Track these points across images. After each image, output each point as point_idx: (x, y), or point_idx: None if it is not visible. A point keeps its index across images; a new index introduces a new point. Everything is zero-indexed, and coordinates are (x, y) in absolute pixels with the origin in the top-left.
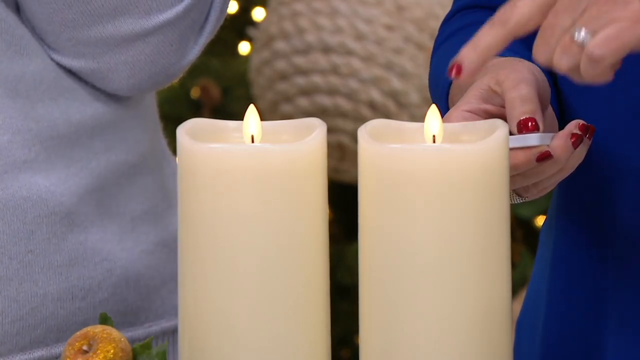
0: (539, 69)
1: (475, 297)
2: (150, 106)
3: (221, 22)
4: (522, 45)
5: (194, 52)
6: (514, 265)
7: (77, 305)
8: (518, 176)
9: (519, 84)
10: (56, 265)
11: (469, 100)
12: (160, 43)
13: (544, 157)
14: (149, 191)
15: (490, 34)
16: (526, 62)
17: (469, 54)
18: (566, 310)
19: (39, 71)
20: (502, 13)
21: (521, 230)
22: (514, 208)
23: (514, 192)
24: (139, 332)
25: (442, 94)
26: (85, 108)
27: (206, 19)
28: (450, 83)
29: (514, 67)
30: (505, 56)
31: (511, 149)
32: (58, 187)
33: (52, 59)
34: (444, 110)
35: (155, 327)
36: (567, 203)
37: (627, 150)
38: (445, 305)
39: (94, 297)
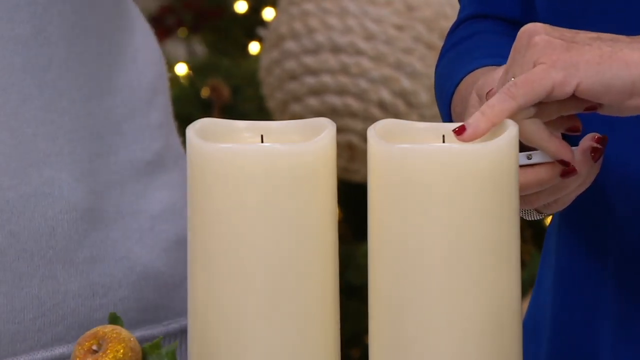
0: None
1: (485, 297)
2: (162, 104)
3: None
4: None
5: None
6: (523, 265)
7: (98, 303)
8: (542, 193)
9: (489, 88)
10: (77, 262)
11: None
12: None
13: (569, 172)
14: (167, 189)
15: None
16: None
17: (477, 120)
18: (570, 315)
19: (65, 58)
20: (513, 87)
21: (530, 230)
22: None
23: (535, 209)
24: (159, 330)
25: (445, 103)
26: (105, 100)
27: None
28: (453, 93)
29: (494, 68)
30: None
31: (534, 165)
32: (80, 183)
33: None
34: (446, 117)
35: (174, 325)
36: (569, 210)
37: (622, 157)
38: (454, 304)
39: (114, 295)
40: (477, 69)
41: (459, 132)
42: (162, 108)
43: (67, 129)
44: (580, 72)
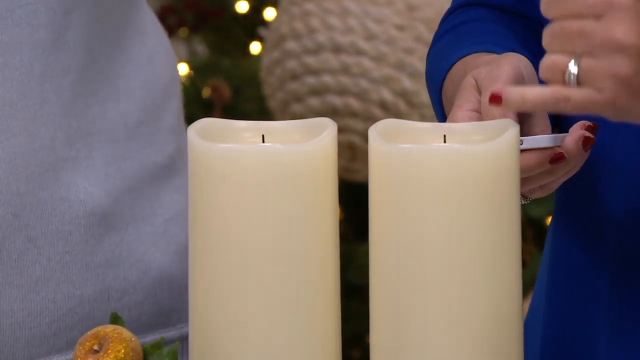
0: (527, 62)
1: (485, 297)
2: (174, 107)
3: None
4: (522, 48)
5: None
6: (524, 265)
7: (113, 307)
8: (529, 178)
9: (493, 83)
10: (93, 267)
11: (469, 98)
12: None
13: (558, 158)
14: (179, 193)
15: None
16: (513, 57)
17: (514, 94)
18: (563, 310)
19: (81, 63)
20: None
21: (532, 230)
22: (524, 208)
23: (520, 194)
24: (172, 333)
25: (435, 88)
26: (120, 104)
27: None
28: (444, 78)
29: (497, 63)
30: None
31: (523, 151)
32: (96, 188)
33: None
34: (437, 103)
35: (186, 329)
36: (563, 202)
37: (613, 143)
38: (455, 304)
39: (129, 299)
40: (468, 55)
41: (494, 100)
42: (175, 111)
43: (84, 133)
44: (628, 117)
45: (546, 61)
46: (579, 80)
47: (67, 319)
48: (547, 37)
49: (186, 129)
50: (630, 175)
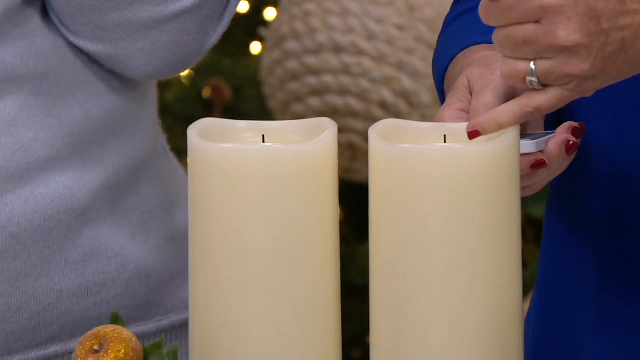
0: None
1: (486, 297)
2: (153, 102)
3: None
4: None
5: (212, 41)
6: (525, 265)
7: (92, 301)
8: None
9: (485, 89)
10: (72, 261)
11: (460, 98)
12: (178, 32)
13: (538, 165)
14: (156, 187)
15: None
16: None
17: (490, 123)
18: (551, 304)
19: (59, 67)
20: (527, 97)
21: (532, 230)
22: (524, 208)
23: None
24: (149, 326)
25: (439, 75)
26: (101, 102)
27: (225, 7)
28: (446, 69)
29: (491, 66)
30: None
31: None
32: (75, 184)
33: (70, 42)
34: (440, 93)
35: (164, 322)
36: (556, 189)
37: (597, 138)
38: (456, 304)
39: (108, 293)
40: (468, 47)
41: (473, 135)
42: (152, 106)
43: (65, 133)
44: (603, 86)
45: (504, 70)
46: (541, 82)
47: (47, 314)
48: (497, 44)
49: (159, 123)
50: (613, 168)
